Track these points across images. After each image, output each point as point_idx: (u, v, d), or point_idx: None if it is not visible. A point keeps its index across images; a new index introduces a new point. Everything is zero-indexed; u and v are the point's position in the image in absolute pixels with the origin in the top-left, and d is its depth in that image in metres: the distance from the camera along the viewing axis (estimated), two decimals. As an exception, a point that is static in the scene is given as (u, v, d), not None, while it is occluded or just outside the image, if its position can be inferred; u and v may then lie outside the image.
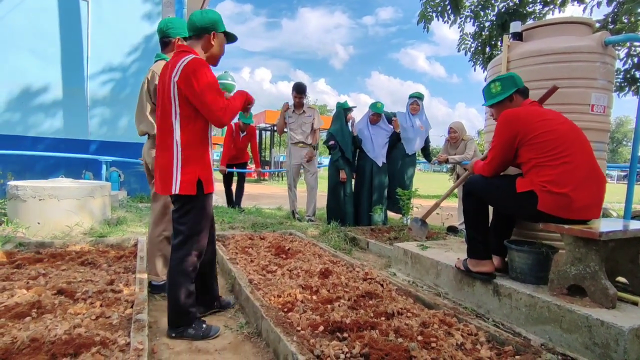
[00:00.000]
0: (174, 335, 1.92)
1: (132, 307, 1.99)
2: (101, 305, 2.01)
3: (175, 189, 1.84)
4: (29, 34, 6.22)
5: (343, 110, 5.00)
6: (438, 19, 6.27)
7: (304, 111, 5.28)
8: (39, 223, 3.68)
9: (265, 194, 10.79)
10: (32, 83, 6.33)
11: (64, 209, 3.77)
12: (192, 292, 1.95)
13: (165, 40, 2.47)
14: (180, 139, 1.83)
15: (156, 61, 2.48)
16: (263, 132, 21.16)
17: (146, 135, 2.55)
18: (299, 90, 5.22)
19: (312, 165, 5.36)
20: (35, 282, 2.30)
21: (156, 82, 2.32)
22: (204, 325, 1.96)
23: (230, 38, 2.04)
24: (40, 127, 6.44)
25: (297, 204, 5.48)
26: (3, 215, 3.82)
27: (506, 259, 2.38)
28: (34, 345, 1.52)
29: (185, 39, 2.01)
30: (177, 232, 1.93)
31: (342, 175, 4.80)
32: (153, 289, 2.49)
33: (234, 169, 6.10)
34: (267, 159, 20.41)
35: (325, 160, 20.67)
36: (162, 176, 1.89)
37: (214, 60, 2.00)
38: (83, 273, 2.55)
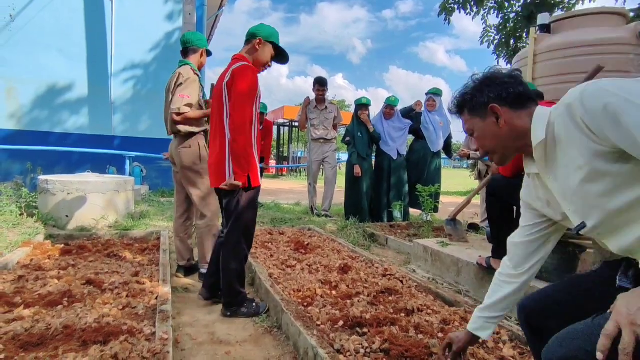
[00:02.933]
0: (228, 314, 2.10)
1: (156, 298, 2.06)
2: (127, 296, 2.08)
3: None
4: (57, 34, 6.44)
5: (356, 107, 4.99)
6: (460, 11, 6.12)
7: (326, 107, 5.23)
8: (67, 216, 3.82)
9: (283, 190, 10.86)
10: (59, 81, 6.56)
11: (90, 203, 3.90)
12: (243, 276, 2.16)
13: (194, 48, 2.65)
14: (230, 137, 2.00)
15: (182, 65, 2.60)
16: (281, 127, 21.26)
17: (172, 135, 2.67)
18: (322, 83, 5.17)
19: (332, 159, 5.34)
20: (66, 273, 2.40)
21: (181, 82, 2.50)
22: (254, 304, 2.14)
23: (281, 57, 2.17)
24: (66, 124, 6.67)
25: (316, 199, 5.49)
26: (34, 208, 3.99)
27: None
28: (66, 332, 1.59)
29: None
30: (230, 221, 2.08)
31: (357, 170, 4.78)
32: (178, 269, 2.71)
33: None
34: (286, 154, 20.51)
35: (344, 156, 20.63)
36: (215, 170, 2.07)
37: (258, 65, 2.12)
38: (109, 265, 2.64)
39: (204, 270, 2.62)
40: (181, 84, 2.50)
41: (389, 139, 4.85)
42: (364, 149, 4.83)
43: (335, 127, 5.32)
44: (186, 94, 2.50)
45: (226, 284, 2.09)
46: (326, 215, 5.11)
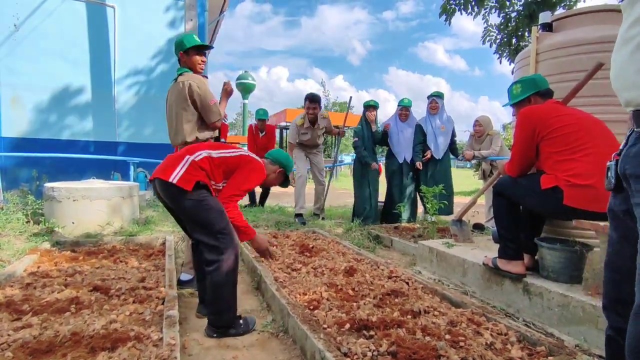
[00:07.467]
0: (215, 335, 1.93)
1: (163, 303, 2.06)
2: (134, 302, 2.09)
3: (174, 179, 1.85)
4: (61, 41, 6.49)
5: (364, 108, 5.02)
6: (462, 13, 6.11)
7: (318, 124, 4.92)
8: (73, 223, 3.84)
9: (287, 193, 10.85)
10: (63, 88, 6.61)
11: (96, 209, 3.92)
12: (234, 292, 1.96)
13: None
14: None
15: (182, 74, 2.52)
16: (284, 130, 21.28)
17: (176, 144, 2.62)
18: (313, 99, 4.79)
19: (320, 162, 5.20)
20: (73, 279, 2.42)
21: (200, 93, 2.45)
22: (242, 322, 1.99)
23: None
24: (71, 131, 6.72)
25: (304, 198, 5.07)
26: (40, 215, 4.01)
27: (536, 257, 2.31)
28: (74, 338, 1.60)
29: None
30: (205, 230, 1.91)
31: (373, 165, 4.75)
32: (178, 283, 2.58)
33: None
34: (288, 157, 20.45)
35: (347, 158, 20.63)
36: (168, 164, 1.94)
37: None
38: (116, 271, 2.65)
39: (183, 277, 2.58)
40: (200, 94, 2.42)
41: (399, 140, 4.86)
42: (370, 151, 4.86)
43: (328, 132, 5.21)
44: (214, 99, 2.49)
45: (214, 300, 1.90)
46: (322, 218, 5.07)
